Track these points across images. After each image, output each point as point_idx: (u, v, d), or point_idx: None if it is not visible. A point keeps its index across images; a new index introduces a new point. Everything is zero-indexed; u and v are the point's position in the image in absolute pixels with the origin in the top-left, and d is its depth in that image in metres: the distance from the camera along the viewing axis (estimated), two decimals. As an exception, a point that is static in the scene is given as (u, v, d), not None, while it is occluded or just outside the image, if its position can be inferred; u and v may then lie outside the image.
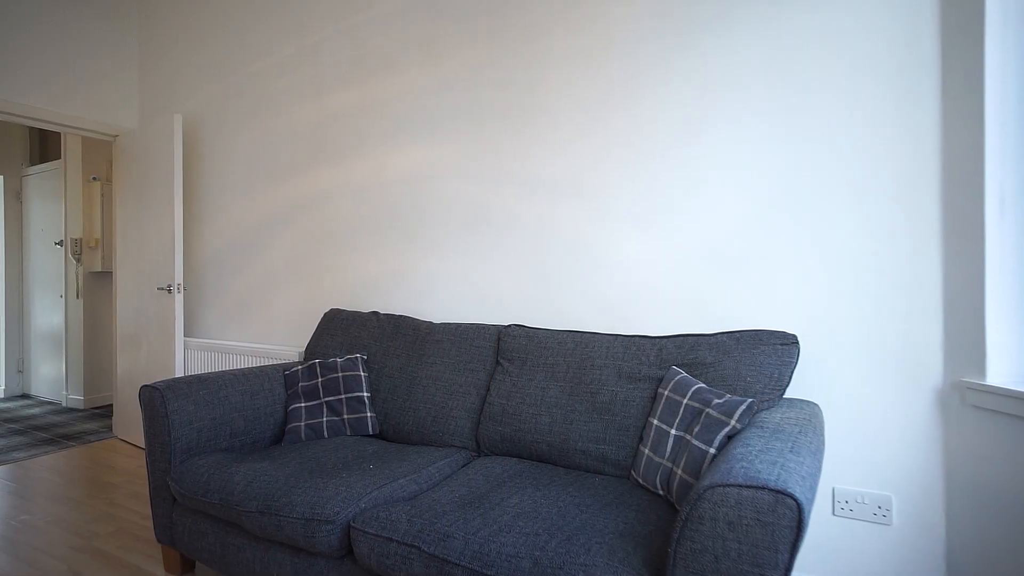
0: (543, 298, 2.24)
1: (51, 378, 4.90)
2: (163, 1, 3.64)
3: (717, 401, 1.49)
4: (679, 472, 1.45)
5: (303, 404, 2.16)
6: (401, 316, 2.37)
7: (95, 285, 4.72)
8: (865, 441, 1.72)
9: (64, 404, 4.71)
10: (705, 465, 1.38)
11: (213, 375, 2.09)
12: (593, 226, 2.13)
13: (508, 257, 2.31)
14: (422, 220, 2.53)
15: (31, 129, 5.28)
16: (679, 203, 1.98)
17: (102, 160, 4.74)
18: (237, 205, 3.25)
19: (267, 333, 3.10)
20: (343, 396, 2.15)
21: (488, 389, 2.04)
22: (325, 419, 2.13)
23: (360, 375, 2.18)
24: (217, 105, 3.36)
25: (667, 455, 1.54)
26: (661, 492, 1.54)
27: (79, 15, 3.52)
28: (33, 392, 5.12)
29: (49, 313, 4.93)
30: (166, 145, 3.25)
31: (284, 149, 3.02)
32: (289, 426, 2.13)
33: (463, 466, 1.88)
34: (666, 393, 1.65)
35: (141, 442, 3.47)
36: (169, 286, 3.21)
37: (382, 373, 2.23)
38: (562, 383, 1.88)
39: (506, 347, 2.05)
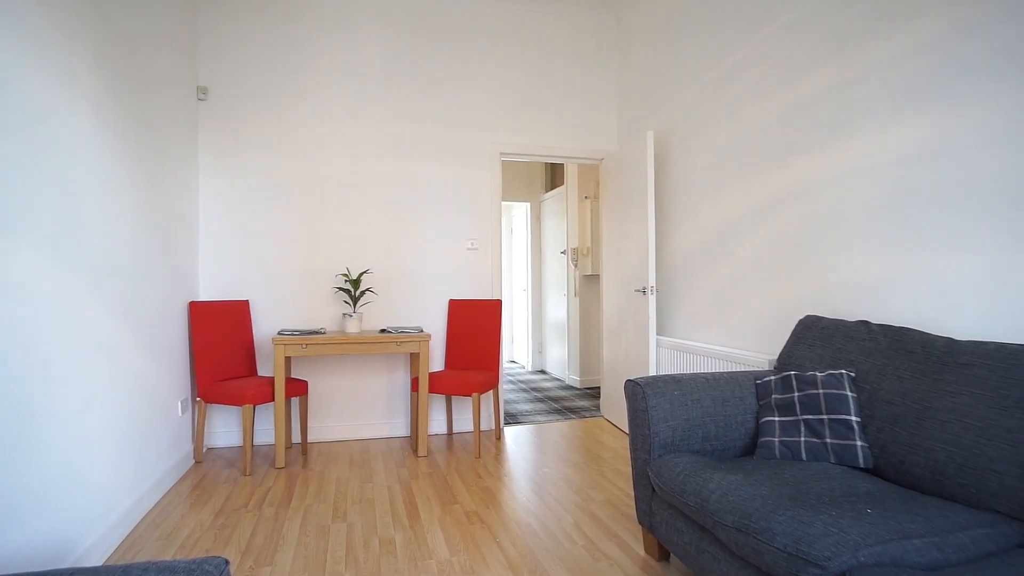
0: None
1: (558, 359, 6.20)
2: (635, 45, 4.06)
3: None
4: None
5: (777, 418, 1.99)
6: (902, 328, 1.91)
7: (587, 286, 5.72)
8: None
9: (566, 382, 5.88)
10: None
11: (686, 377, 2.15)
12: None
13: (1093, 248, 1.55)
14: (930, 207, 1.98)
15: (545, 164, 6.80)
16: None
17: (591, 182, 5.69)
18: (703, 209, 3.32)
19: (733, 337, 3.05)
20: (825, 416, 1.88)
21: (1058, 441, 1.41)
22: (803, 439, 1.90)
23: (847, 395, 1.86)
24: (681, 116, 3.51)
25: None
26: None
27: (572, 71, 4.31)
28: (547, 369, 6.59)
29: (556, 307, 6.24)
30: (640, 160, 3.60)
31: (747, 147, 2.90)
32: (761, 439, 2.00)
33: (1017, 546, 1.35)
34: None
35: (622, 424, 3.97)
36: (644, 288, 3.55)
37: (876, 396, 1.85)
38: None
39: (1096, 384, 1.37)
